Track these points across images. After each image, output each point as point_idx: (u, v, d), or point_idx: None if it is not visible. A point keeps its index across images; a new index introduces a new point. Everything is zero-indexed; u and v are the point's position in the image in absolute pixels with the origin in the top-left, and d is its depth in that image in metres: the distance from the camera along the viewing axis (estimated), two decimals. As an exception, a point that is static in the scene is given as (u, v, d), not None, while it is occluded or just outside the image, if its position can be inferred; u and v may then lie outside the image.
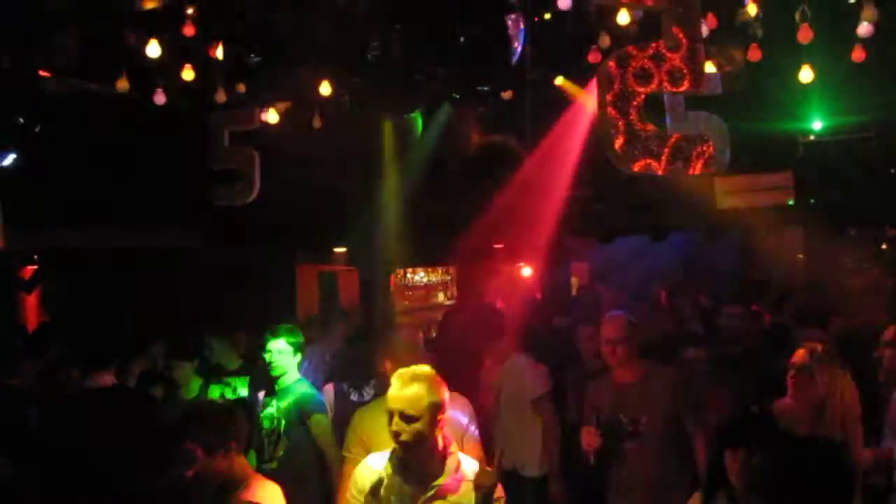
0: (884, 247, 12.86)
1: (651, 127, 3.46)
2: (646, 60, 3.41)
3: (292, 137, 7.11)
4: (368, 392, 5.38)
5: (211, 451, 3.18)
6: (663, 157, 3.43)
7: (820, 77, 6.30)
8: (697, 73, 3.64)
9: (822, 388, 4.22)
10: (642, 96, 3.45)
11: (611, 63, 3.44)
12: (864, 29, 5.46)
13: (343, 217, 8.92)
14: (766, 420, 3.66)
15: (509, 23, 4.95)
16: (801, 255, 11.46)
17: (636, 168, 3.39)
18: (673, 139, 3.52)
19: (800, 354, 4.35)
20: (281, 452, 4.97)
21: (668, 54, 3.57)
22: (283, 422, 5.01)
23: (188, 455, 3.19)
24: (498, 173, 9.07)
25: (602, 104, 3.42)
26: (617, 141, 3.35)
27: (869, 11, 5.36)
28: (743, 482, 3.18)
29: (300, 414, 4.98)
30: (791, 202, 8.08)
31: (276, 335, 5.06)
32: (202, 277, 9.13)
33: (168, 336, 6.22)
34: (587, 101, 7.53)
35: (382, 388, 3.71)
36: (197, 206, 8.64)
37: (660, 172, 3.43)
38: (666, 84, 3.53)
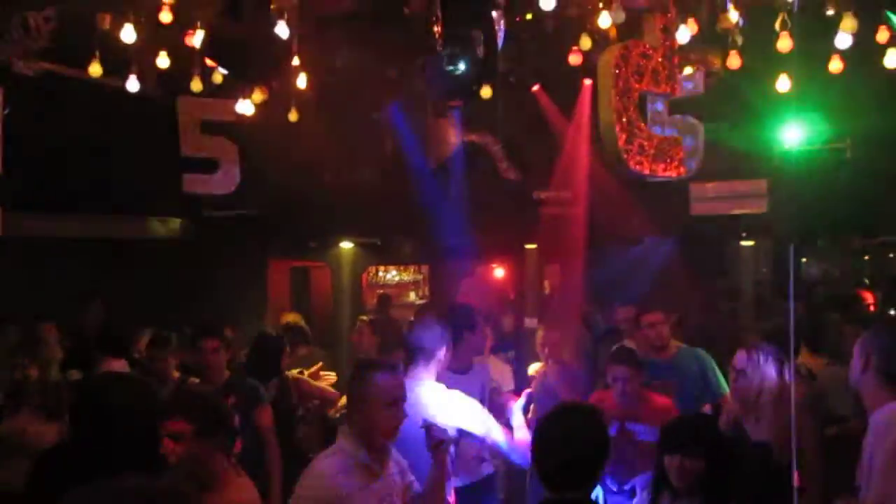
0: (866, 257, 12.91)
1: (643, 126, 3.43)
2: (640, 58, 3.38)
3: (267, 127, 7.00)
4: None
5: (201, 433, 2.96)
6: (651, 157, 3.41)
7: (798, 87, 6.34)
8: (673, 75, 3.65)
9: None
10: (636, 94, 3.42)
11: (617, 55, 3.39)
12: (842, 40, 5.51)
13: (318, 211, 8.81)
14: (700, 423, 3.74)
15: (494, 15, 4.91)
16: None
17: (632, 165, 3.36)
18: (657, 139, 3.49)
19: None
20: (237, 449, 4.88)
21: (653, 54, 3.56)
22: (236, 416, 4.94)
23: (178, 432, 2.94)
24: (474, 173, 9.03)
25: (608, 98, 3.35)
26: (621, 137, 3.30)
27: (848, 23, 5.40)
28: (681, 484, 3.28)
29: (247, 407, 4.97)
30: (765, 211, 8.13)
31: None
32: (170, 270, 8.96)
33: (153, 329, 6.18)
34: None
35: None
36: (168, 197, 8.52)
37: (646, 172, 3.41)
38: (651, 84, 3.52)
